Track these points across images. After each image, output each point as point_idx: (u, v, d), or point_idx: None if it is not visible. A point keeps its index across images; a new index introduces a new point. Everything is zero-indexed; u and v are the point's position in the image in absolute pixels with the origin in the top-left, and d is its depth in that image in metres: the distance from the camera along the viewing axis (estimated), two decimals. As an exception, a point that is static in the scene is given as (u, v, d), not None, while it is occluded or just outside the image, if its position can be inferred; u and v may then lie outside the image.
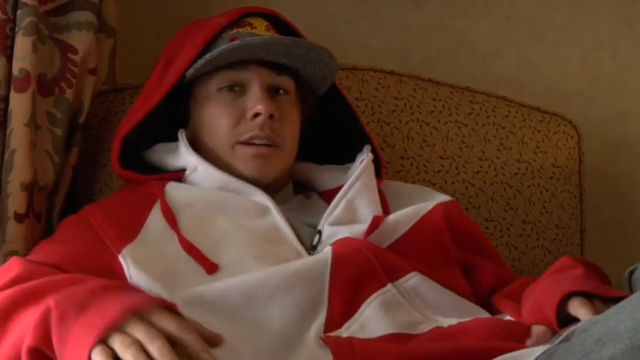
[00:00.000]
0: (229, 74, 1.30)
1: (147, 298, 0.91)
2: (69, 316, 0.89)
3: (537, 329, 1.07)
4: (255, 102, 1.27)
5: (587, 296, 1.08)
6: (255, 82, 1.29)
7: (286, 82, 1.33)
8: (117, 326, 0.87)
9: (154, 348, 0.85)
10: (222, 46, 1.26)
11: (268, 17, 1.37)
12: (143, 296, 0.92)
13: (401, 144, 1.56)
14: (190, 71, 1.29)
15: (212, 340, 0.90)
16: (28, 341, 0.92)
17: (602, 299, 1.09)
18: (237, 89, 1.30)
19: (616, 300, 1.09)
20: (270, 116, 1.27)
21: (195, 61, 1.29)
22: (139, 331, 0.87)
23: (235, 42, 1.26)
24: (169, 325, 0.88)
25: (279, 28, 1.37)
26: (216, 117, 1.29)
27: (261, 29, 1.33)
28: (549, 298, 1.10)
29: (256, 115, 1.27)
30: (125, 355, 0.85)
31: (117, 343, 0.86)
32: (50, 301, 0.92)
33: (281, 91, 1.32)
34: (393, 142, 1.56)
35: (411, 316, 1.13)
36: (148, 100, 1.32)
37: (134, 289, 0.98)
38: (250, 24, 1.33)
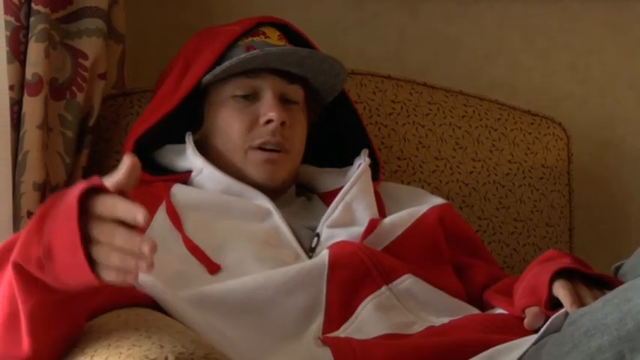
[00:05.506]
0: (244, 81, 1.32)
1: (77, 195, 0.85)
2: (42, 262, 0.86)
3: (532, 310, 1.10)
4: (269, 109, 1.30)
5: (572, 279, 1.11)
6: (268, 89, 1.32)
7: (296, 91, 1.35)
8: (85, 238, 0.84)
9: (121, 241, 0.83)
10: (241, 55, 1.29)
11: (280, 27, 1.40)
12: (73, 196, 0.85)
13: (397, 145, 1.58)
14: (208, 77, 1.32)
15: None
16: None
17: (586, 283, 1.11)
18: (250, 96, 1.32)
19: (600, 281, 1.13)
20: (282, 123, 1.29)
21: (212, 67, 1.32)
22: (101, 234, 0.84)
23: (255, 51, 1.29)
24: (109, 209, 0.85)
25: (290, 38, 1.39)
26: (230, 122, 1.31)
27: (274, 39, 1.36)
28: (540, 279, 1.12)
29: (269, 121, 1.29)
30: (113, 262, 0.83)
31: (100, 255, 0.84)
32: (16, 257, 0.89)
33: (291, 99, 1.34)
34: (390, 144, 1.57)
35: (404, 317, 1.16)
36: (164, 104, 1.34)
37: (64, 196, 0.90)
38: (264, 33, 1.36)
